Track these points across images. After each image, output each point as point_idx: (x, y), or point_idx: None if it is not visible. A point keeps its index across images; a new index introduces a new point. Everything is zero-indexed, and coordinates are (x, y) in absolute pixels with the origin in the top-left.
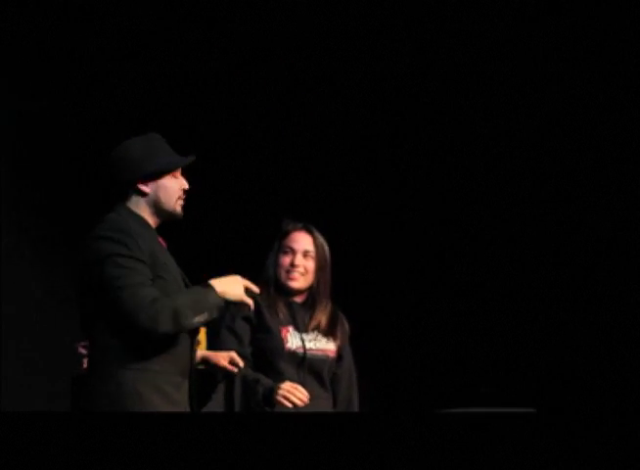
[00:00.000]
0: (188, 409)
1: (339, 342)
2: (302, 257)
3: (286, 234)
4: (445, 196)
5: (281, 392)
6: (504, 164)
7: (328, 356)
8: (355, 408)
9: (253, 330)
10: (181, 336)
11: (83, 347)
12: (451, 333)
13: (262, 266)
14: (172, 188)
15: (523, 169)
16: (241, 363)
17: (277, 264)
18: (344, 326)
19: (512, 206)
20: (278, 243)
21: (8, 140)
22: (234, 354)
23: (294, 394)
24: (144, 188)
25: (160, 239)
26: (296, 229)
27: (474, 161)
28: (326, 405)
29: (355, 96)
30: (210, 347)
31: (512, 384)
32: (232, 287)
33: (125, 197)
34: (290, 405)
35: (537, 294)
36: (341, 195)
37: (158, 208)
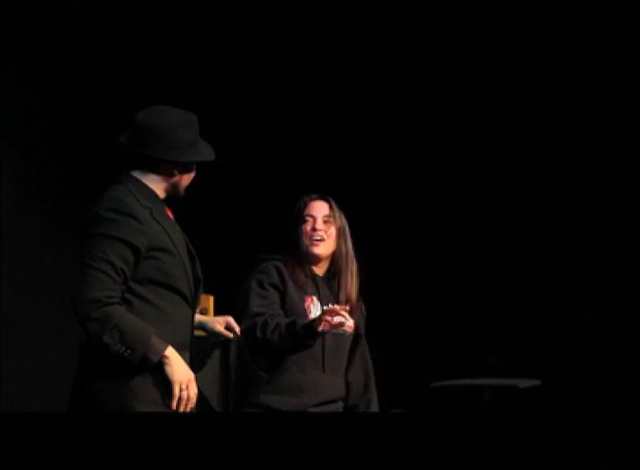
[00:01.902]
0: None
1: (356, 319)
2: (322, 222)
3: (304, 205)
4: (451, 174)
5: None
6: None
7: (345, 331)
8: (373, 393)
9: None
10: (180, 309)
11: None
12: (460, 303)
13: (280, 243)
14: (190, 177)
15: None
16: (237, 328)
17: (299, 234)
18: (362, 308)
19: (511, 183)
20: (297, 215)
21: (11, 109)
22: (230, 319)
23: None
24: (174, 170)
25: (168, 210)
26: (313, 199)
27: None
28: (339, 385)
29: (357, 95)
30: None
31: (521, 355)
32: (179, 372)
33: (140, 165)
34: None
35: (547, 264)
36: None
37: (174, 189)
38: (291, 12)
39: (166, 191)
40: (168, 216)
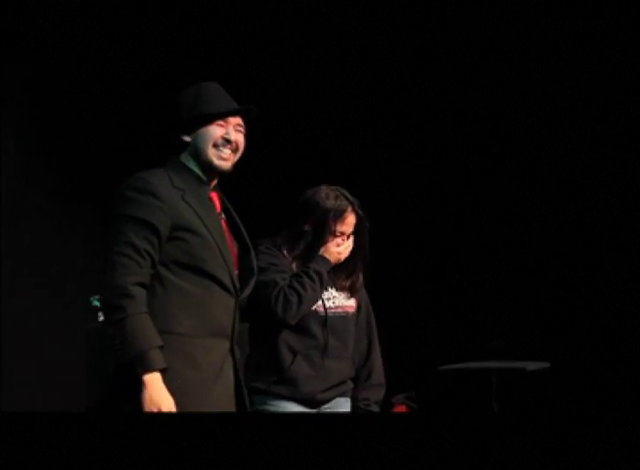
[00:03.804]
0: (220, 372)
1: (358, 295)
2: (348, 238)
3: (340, 216)
4: (452, 157)
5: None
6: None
7: (347, 313)
8: (375, 362)
9: None
10: (217, 295)
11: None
12: (465, 286)
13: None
14: (208, 135)
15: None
16: None
17: (325, 243)
18: (360, 278)
19: (514, 169)
20: (331, 222)
21: (15, 90)
22: None
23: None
24: (185, 138)
25: (215, 196)
26: (349, 212)
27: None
28: (347, 368)
29: (359, 93)
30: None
31: (526, 337)
32: (151, 400)
33: (178, 148)
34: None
35: (555, 248)
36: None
37: (198, 159)
38: (293, 9)
39: (203, 168)
40: (209, 201)
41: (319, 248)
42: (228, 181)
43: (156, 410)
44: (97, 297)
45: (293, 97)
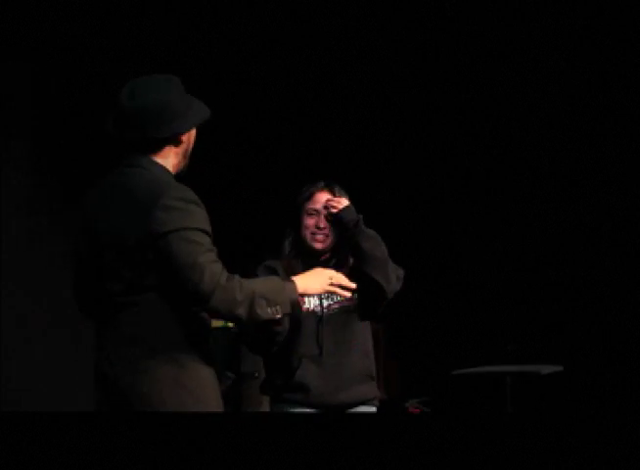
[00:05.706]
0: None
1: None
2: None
3: (309, 197)
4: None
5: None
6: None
7: (346, 303)
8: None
9: None
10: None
11: None
12: (479, 290)
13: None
14: (193, 136)
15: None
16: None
17: (301, 227)
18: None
19: (531, 168)
20: (301, 206)
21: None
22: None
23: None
24: (183, 138)
25: None
26: (317, 190)
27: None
28: (352, 363)
29: (361, 92)
30: None
31: (540, 341)
32: (314, 281)
33: (151, 150)
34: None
35: (569, 251)
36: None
37: (182, 158)
38: (293, 8)
39: (176, 166)
40: None
41: (299, 238)
42: (229, 183)
43: (327, 280)
44: None
45: (292, 97)
